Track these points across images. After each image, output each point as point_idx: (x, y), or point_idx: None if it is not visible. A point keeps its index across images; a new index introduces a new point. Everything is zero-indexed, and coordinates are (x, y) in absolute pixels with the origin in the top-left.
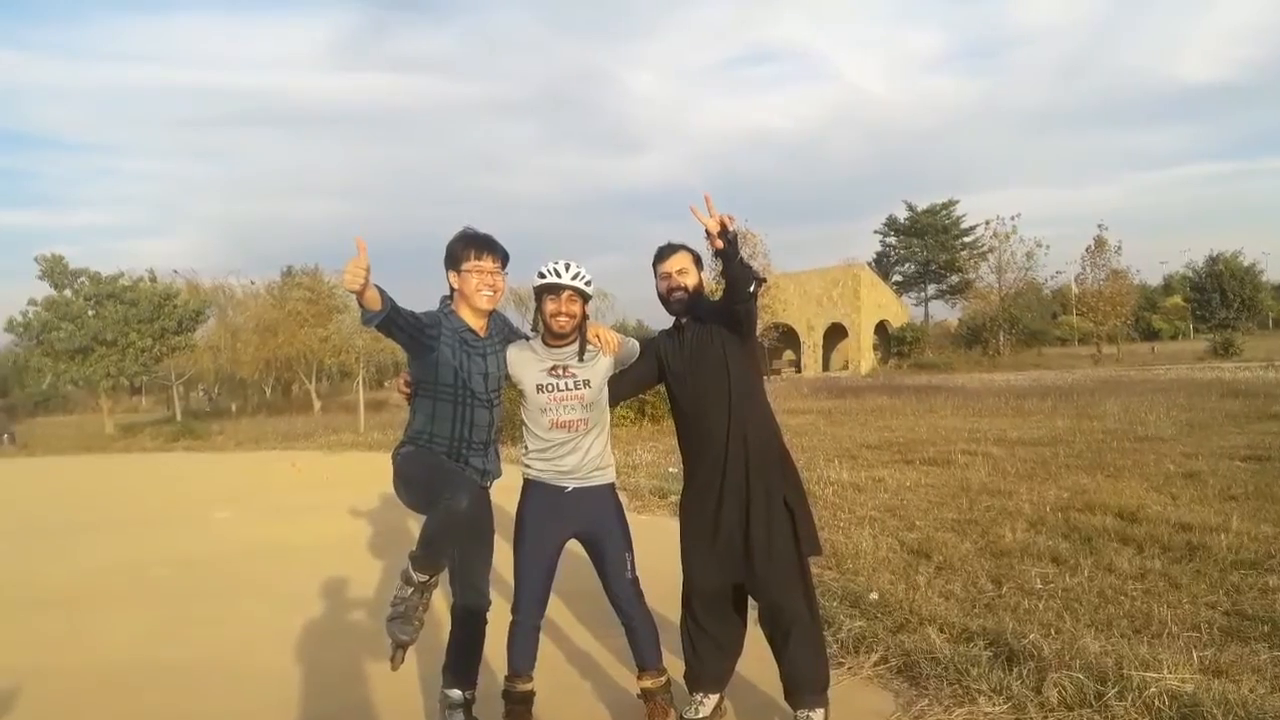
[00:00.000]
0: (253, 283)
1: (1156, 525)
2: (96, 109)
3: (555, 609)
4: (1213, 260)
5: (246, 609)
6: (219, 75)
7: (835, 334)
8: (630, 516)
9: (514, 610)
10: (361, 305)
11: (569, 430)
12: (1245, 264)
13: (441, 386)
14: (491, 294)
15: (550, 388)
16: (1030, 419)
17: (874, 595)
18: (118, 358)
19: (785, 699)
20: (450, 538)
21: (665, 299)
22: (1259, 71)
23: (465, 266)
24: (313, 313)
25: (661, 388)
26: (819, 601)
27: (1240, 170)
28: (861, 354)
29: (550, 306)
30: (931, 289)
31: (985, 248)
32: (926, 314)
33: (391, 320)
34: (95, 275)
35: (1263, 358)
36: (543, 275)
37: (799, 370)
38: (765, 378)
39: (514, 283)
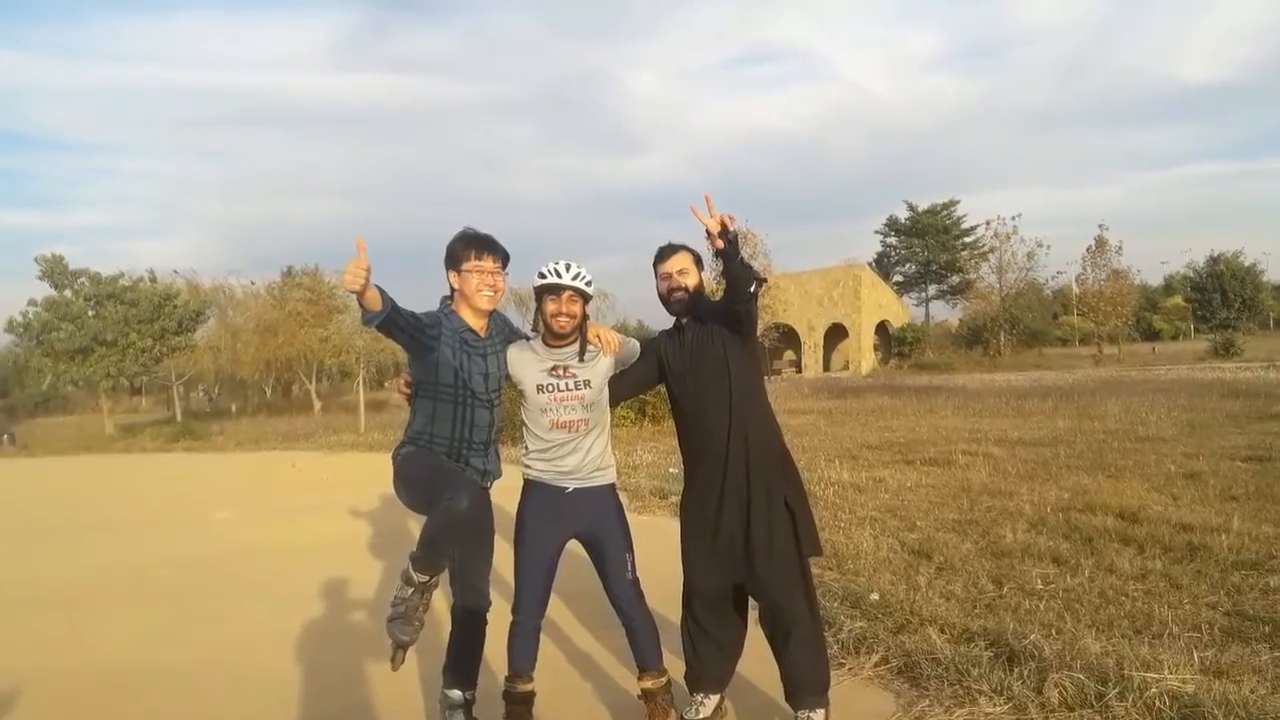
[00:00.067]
0: (253, 283)
1: (1157, 526)
2: (96, 109)
3: (556, 609)
4: (1213, 260)
5: (247, 610)
6: (219, 75)
7: (836, 334)
8: (631, 517)
9: (514, 611)
10: (362, 305)
11: (569, 431)
12: (1246, 264)
13: (442, 387)
14: (492, 294)
15: (551, 388)
16: (1031, 419)
17: (875, 596)
18: (118, 358)
19: (786, 700)
20: (450, 538)
21: (666, 299)
22: (1259, 71)
23: (466, 267)
24: (313, 313)
25: (662, 388)
26: (819, 602)
27: (1241, 170)
28: (862, 354)
29: (551, 307)
30: (932, 289)
31: (986, 248)
32: (927, 314)
33: (392, 320)
34: (95, 276)
35: (1264, 358)
36: (543, 275)
37: (799, 370)
38: (766, 378)
39: (514, 283)
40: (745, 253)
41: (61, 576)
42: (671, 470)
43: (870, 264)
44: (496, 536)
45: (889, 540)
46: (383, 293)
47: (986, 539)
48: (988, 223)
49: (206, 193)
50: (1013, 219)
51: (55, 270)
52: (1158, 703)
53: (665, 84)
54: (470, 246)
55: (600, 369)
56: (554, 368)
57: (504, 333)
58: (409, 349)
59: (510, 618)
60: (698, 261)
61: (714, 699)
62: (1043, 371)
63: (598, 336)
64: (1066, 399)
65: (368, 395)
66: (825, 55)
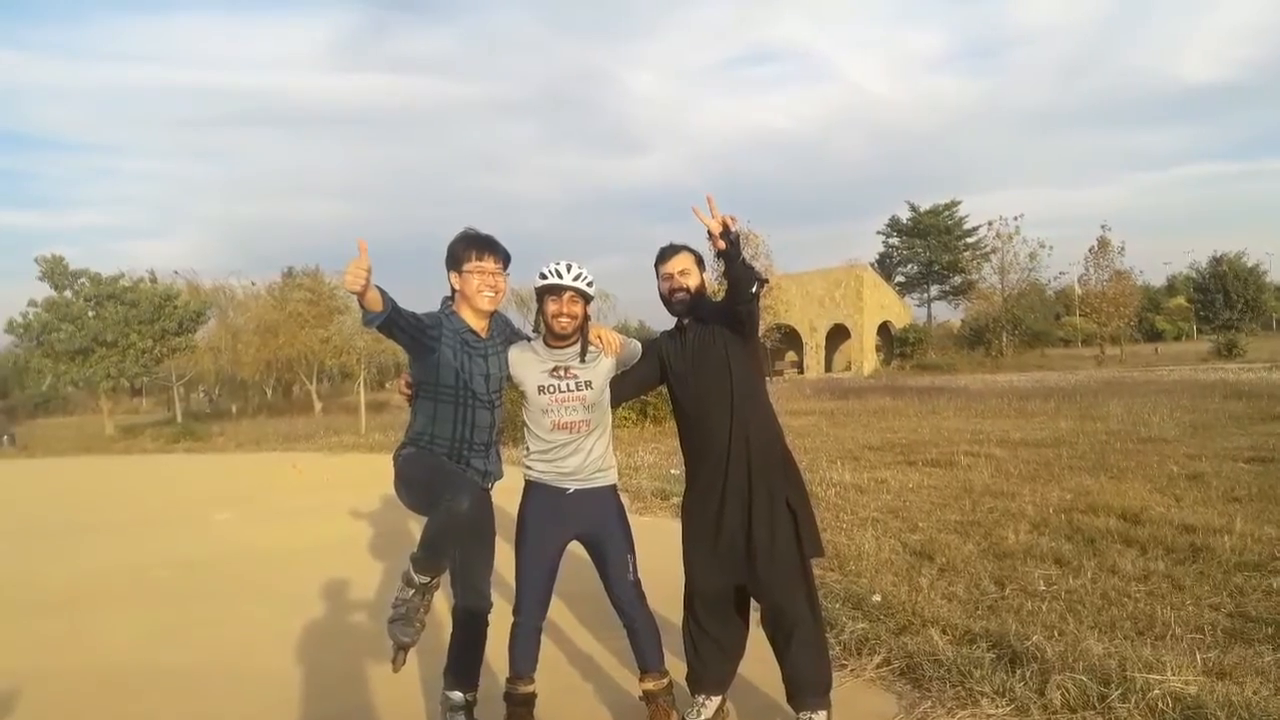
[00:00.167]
0: (253, 284)
1: (1160, 527)
2: (96, 109)
3: (557, 611)
4: (1216, 261)
5: (247, 611)
6: (219, 75)
7: (838, 335)
8: (632, 518)
9: (515, 612)
10: (362, 306)
11: (571, 431)
12: (1249, 265)
13: (443, 388)
14: (493, 295)
15: (552, 389)
16: (1033, 420)
17: (876, 597)
18: (118, 359)
19: (787, 701)
20: (451, 539)
21: (667, 300)
22: (1260, 71)
23: (467, 267)
24: (314, 314)
25: (664, 389)
26: (821, 603)
27: (1243, 171)
28: (864, 355)
29: (552, 307)
30: (934, 290)
31: (988, 248)
32: (929, 315)
33: (392, 321)
34: (95, 276)
35: (1266, 359)
36: (544, 276)
37: (801, 371)
38: (767, 379)
39: (515, 284)
40: (747, 253)
41: (62, 577)
42: (673, 471)
43: (872, 264)
44: (497, 537)
45: (891, 541)
46: (383, 293)
47: (989, 540)
48: (990, 223)
49: (206, 193)
50: (1015, 219)
51: (55, 271)
52: (1160, 704)
53: (665, 84)
54: (471, 247)
55: (601, 370)
56: (555, 368)
57: (505, 333)
58: (410, 350)
59: (511, 619)
60: (699, 262)
61: (716, 700)
62: (1045, 372)
63: (599, 337)
64: (1069, 400)
65: (368, 396)
66: (826, 55)
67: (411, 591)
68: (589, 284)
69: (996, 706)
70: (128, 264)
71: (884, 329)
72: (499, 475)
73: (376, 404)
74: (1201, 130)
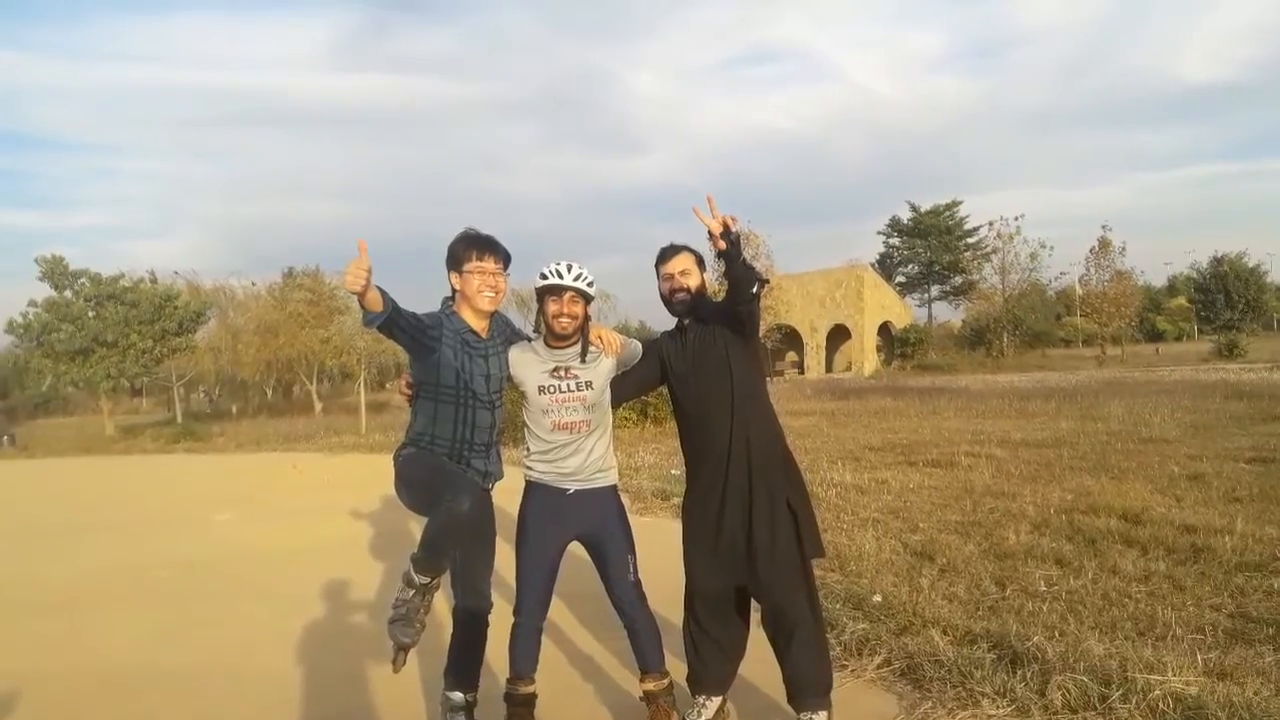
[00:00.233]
0: (254, 284)
1: (1161, 527)
2: (96, 109)
3: (557, 611)
4: (1217, 261)
5: (247, 611)
6: (219, 75)
7: (838, 335)
8: (632, 518)
9: (516, 612)
10: (363, 306)
11: (571, 432)
12: (1250, 265)
13: (443, 388)
14: (493, 295)
15: (552, 389)
16: (1034, 421)
17: (877, 597)
18: (118, 359)
19: (788, 702)
20: (452, 540)
21: (668, 300)
22: (1262, 71)
23: (467, 267)
24: (314, 314)
25: (664, 389)
26: (822, 604)
27: (1244, 171)
28: (865, 355)
29: (552, 308)
30: (935, 290)
31: (989, 249)
32: (930, 315)
33: (393, 321)
34: (96, 276)
35: (1267, 359)
36: (544, 276)
37: (802, 372)
38: (768, 379)
39: (516, 284)
40: (747, 254)
41: (62, 578)
42: (673, 472)
43: (873, 265)
44: (498, 538)
45: (891, 542)
46: (384, 294)
47: (989, 541)
48: (990, 223)
49: (206, 193)
50: (1015, 219)
51: (55, 271)
52: (1161, 705)
53: (666, 84)
54: (472, 247)
55: (602, 370)
56: (556, 369)
57: (505, 334)
58: (410, 350)
59: (512, 619)
60: (700, 262)
61: (716, 701)
62: (1046, 373)
63: (599, 337)
64: (1070, 400)
65: (369, 396)
66: (826, 55)
67: (412, 592)
68: (589, 284)
69: (997, 707)
70: (128, 264)
71: (885, 329)
72: (499, 476)
73: (377, 404)
74: (1202, 130)
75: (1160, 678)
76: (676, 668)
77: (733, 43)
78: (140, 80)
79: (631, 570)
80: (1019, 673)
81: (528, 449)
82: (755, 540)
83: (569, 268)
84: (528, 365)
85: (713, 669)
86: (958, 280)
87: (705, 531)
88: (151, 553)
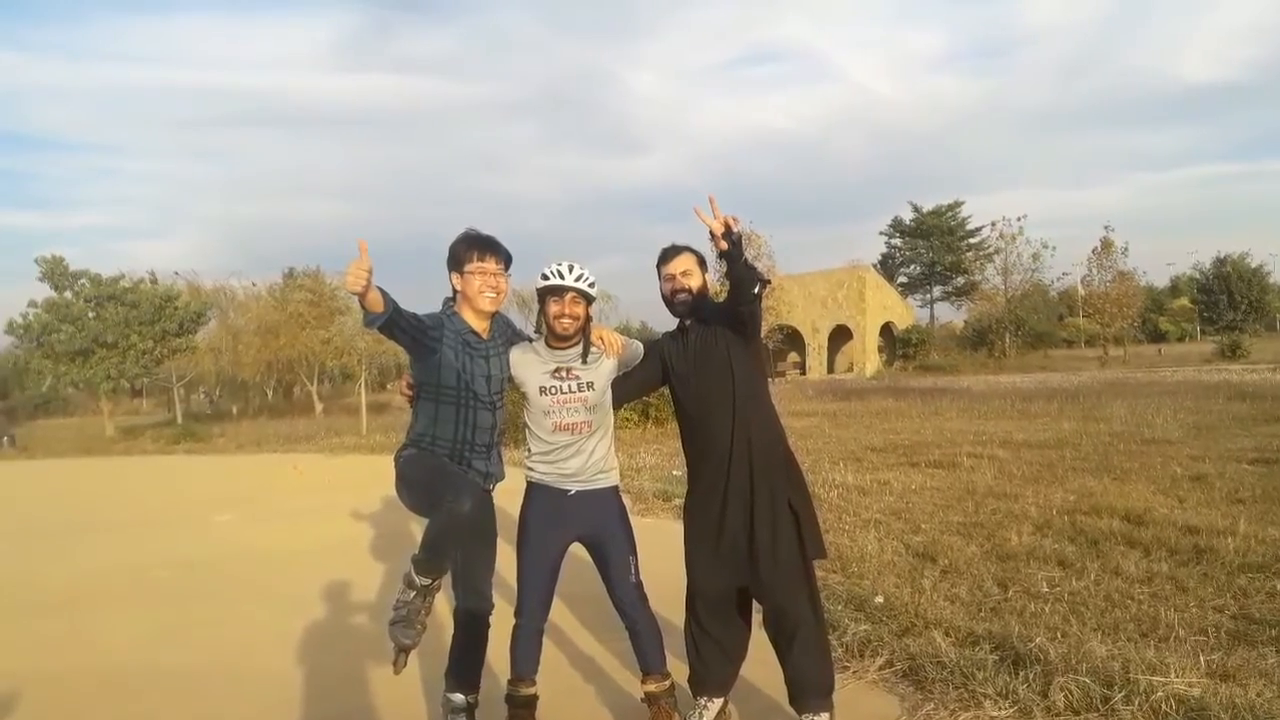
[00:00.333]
0: (254, 284)
1: (1163, 528)
2: (97, 109)
3: (558, 612)
4: (1220, 262)
5: (247, 612)
6: (219, 76)
7: (840, 336)
8: (634, 519)
9: (517, 614)
10: (363, 307)
11: (572, 433)
12: (1253, 265)
13: (444, 389)
14: (494, 296)
15: (553, 390)
16: (1036, 421)
17: (879, 599)
18: (118, 360)
19: (790, 703)
20: (452, 541)
21: (669, 301)
22: (1263, 71)
23: (468, 268)
24: (314, 314)
25: (665, 390)
26: (824, 605)
27: (1246, 171)
28: (866, 356)
29: (553, 308)
30: (937, 290)
31: (991, 249)
32: (932, 316)
33: (393, 322)
34: (96, 277)
35: (1270, 360)
36: (546, 277)
37: (803, 372)
38: (769, 380)
39: (517, 284)
40: (749, 254)
41: (62, 578)
42: (675, 473)
43: (875, 265)
44: (499, 539)
45: (893, 543)
46: (384, 294)
47: (991, 542)
48: (993, 224)
49: (207, 193)
50: (1018, 220)
51: (55, 271)
52: (1164, 706)
53: (666, 84)
54: (473, 248)
55: (603, 371)
56: (557, 370)
57: (506, 334)
58: (411, 351)
59: (513, 621)
60: (701, 263)
61: (718, 702)
62: (1048, 373)
63: (600, 338)
64: (1072, 401)
65: (370, 397)
66: (827, 55)
67: (413, 593)
68: (591, 285)
69: (999, 708)
70: (128, 264)
71: (886, 330)
72: (500, 477)
73: (377, 405)
74: (1204, 131)
75: (1163, 679)
76: (678, 669)
77: (733, 43)
78: (140, 80)
79: (633, 571)
80: (1021, 674)
81: (529, 450)
82: (757, 541)
83: (570, 268)
84: (529, 366)
85: (714, 670)
86: (960, 281)
87: (707, 532)
88: (152, 553)
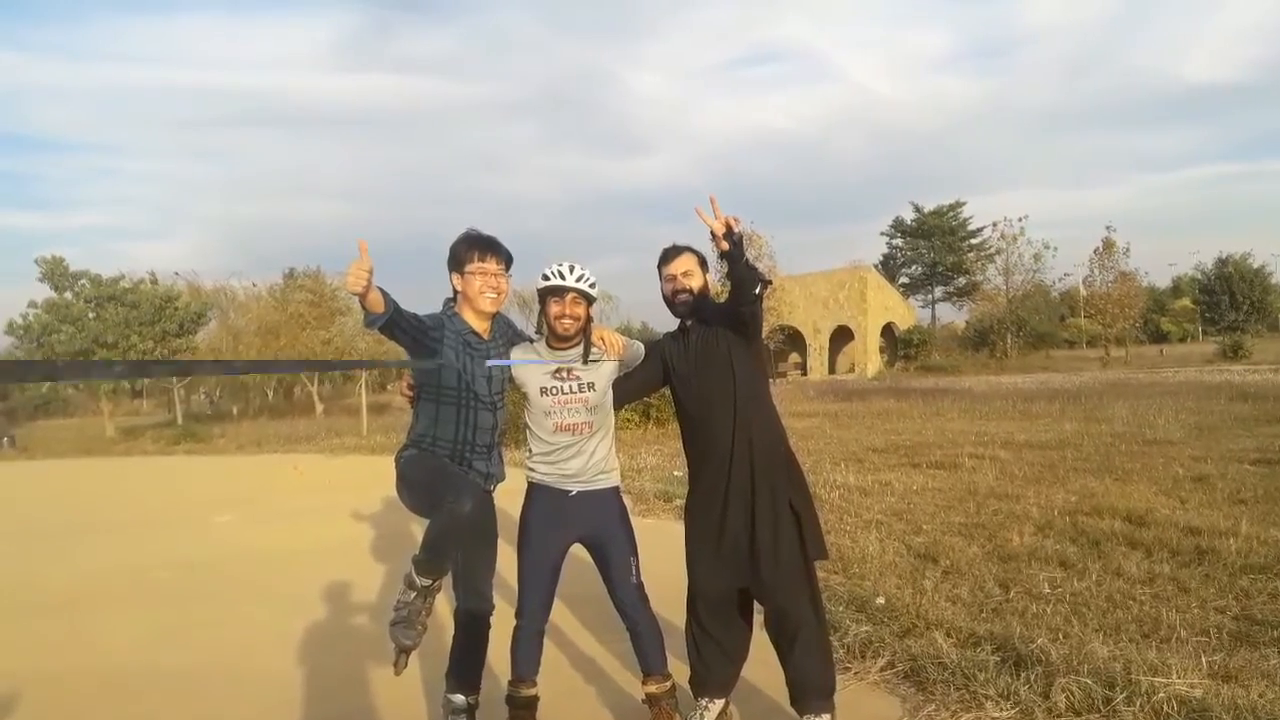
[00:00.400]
0: (254, 285)
1: (1165, 529)
2: (97, 109)
3: (559, 613)
4: (1222, 262)
5: (248, 612)
6: (220, 76)
7: (841, 336)
8: (635, 520)
9: (518, 615)
10: (364, 307)
11: (573, 433)
12: (1255, 266)
13: (445, 389)
14: (495, 296)
15: (554, 390)
16: (1038, 422)
17: (880, 600)
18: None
19: (791, 704)
20: (453, 542)
21: (670, 301)
22: (1267, 71)
23: (469, 268)
24: (315, 315)
25: (666, 391)
26: (825, 606)
27: (1249, 171)
28: (868, 356)
29: (554, 309)
30: (938, 291)
31: (992, 249)
32: (933, 316)
33: (394, 323)
34: (96, 277)
35: (1272, 360)
36: (546, 277)
37: (805, 373)
38: (770, 380)
39: (517, 285)
40: (750, 254)
41: (62, 579)
42: (676, 473)
43: (876, 266)
44: (499, 540)
45: (895, 544)
46: (385, 294)
47: (993, 542)
48: (994, 224)
49: (207, 193)
50: (1019, 220)
51: (55, 272)
52: (1165, 707)
53: (667, 84)
54: (473, 248)
55: (604, 371)
56: (558, 370)
57: (507, 335)
58: (411, 351)
59: (513, 622)
60: (702, 263)
61: (719, 703)
62: (1050, 374)
63: (601, 339)
64: (1073, 401)
65: (370, 398)
66: (828, 55)
67: (413, 594)
68: (591, 285)
69: (1001, 709)
70: (128, 265)
71: (888, 330)
72: (501, 477)
73: (378, 406)
74: (1207, 131)
75: (1164, 680)
76: (679, 670)
77: (734, 43)
78: (141, 80)
79: (634, 572)
80: (1023, 675)
81: (529, 450)
82: (758, 542)
83: (571, 269)
84: (529, 366)
85: (715, 671)
86: (961, 281)
87: (708, 533)
88: (152, 554)
